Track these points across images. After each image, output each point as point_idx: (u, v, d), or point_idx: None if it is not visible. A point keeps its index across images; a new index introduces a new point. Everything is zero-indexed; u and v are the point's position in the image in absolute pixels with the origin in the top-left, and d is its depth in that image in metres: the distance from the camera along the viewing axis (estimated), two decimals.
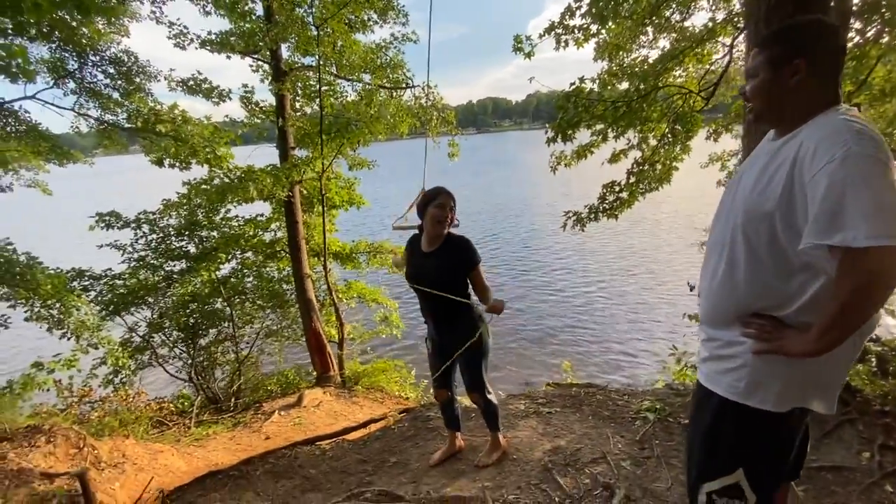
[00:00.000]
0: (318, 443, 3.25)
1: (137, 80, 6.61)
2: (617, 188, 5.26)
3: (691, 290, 3.37)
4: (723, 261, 1.21)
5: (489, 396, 2.49)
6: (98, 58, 6.40)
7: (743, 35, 5.16)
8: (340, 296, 8.20)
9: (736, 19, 5.21)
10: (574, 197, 25.27)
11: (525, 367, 8.83)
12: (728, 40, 5.16)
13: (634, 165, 5.28)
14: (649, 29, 5.20)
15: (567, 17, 4.67)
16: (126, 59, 6.46)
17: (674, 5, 5.30)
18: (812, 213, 0.95)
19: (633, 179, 5.23)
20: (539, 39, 4.88)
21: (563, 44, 4.95)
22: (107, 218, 6.84)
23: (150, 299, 7.20)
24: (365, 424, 3.43)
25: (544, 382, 5.11)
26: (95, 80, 6.48)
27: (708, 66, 5.50)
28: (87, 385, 5.25)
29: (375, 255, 8.70)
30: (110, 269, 7.16)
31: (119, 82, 6.51)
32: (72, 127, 6.79)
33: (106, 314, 6.51)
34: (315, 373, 7.41)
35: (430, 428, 3.13)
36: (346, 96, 7.56)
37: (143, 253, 7.25)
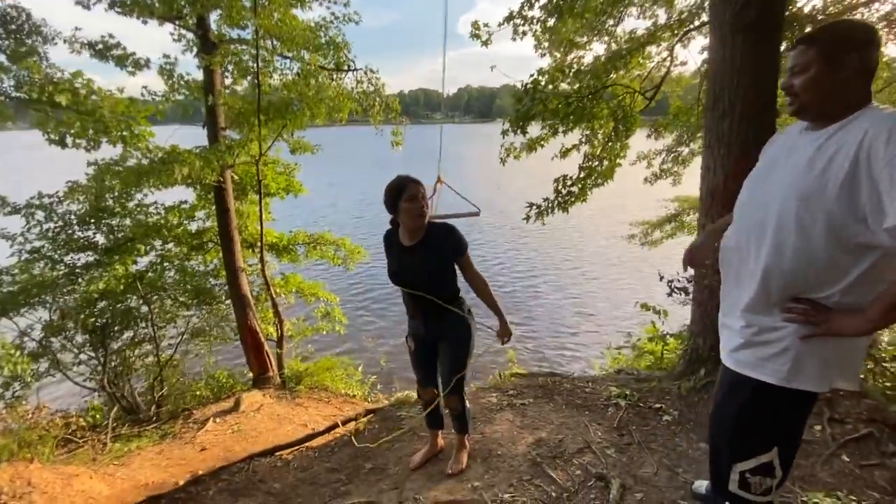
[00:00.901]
0: (277, 453, 2.95)
1: (30, 41, 5.57)
2: (569, 182, 5.40)
3: (661, 279, 3.52)
4: (763, 248, 1.24)
5: (465, 401, 2.38)
6: None
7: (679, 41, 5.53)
8: (278, 290, 7.65)
9: (675, 25, 5.55)
10: (509, 191, 26.01)
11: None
12: (669, 44, 5.48)
13: (585, 160, 5.46)
14: (607, 23, 5.35)
15: (526, 7, 4.66)
16: (15, 16, 5.41)
17: (616, 11, 5.52)
18: (894, 196, 0.98)
19: (583, 174, 5.41)
20: (497, 28, 4.84)
21: (520, 35, 4.96)
22: None
23: (48, 298, 6.18)
24: (329, 430, 3.18)
25: (496, 371, 5.13)
26: None
27: (649, 69, 5.81)
28: None
29: (315, 246, 8.23)
30: None
31: (5, 42, 5.44)
32: None
33: None
34: (252, 374, 6.85)
35: (404, 429, 2.97)
36: (286, 75, 6.98)
37: (37, 244, 6.19)
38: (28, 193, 6.21)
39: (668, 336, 4.35)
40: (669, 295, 3.35)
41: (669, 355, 4.35)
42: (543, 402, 3.13)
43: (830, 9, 4.89)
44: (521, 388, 3.42)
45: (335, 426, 3.15)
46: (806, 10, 4.94)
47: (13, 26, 5.29)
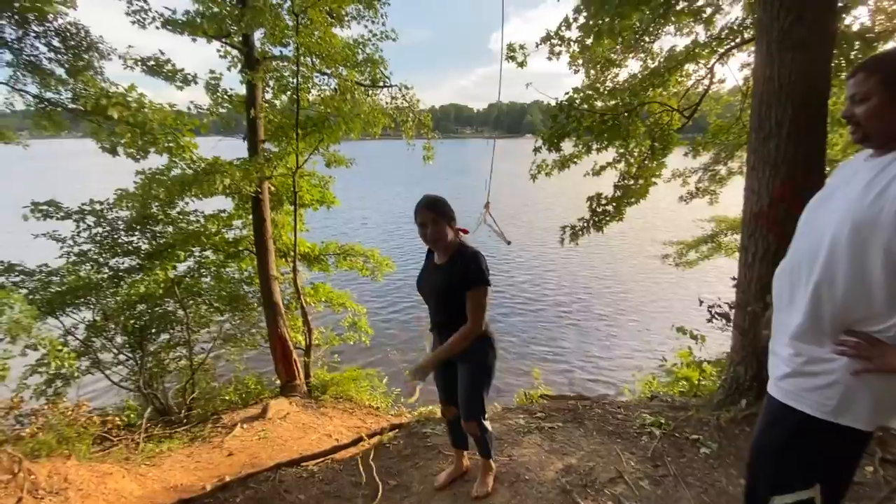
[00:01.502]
0: (303, 463, 2.96)
1: (87, 56, 5.96)
2: (603, 201, 5.31)
3: (700, 304, 3.40)
4: (814, 275, 1.20)
5: (485, 423, 2.25)
6: (42, 28, 5.70)
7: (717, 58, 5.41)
8: (308, 299, 7.79)
9: (714, 43, 5.43)
10: (538, 207, 25.84)
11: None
12: (710, 62, 5.36)
13: (620, 179, 5.37)
14: (644, 40, 5.30)
15: (563, 28, 4.66)
16: (75, 33, 5.80)
17: (655, 28, 5.45)
18: None
19: (618, 193, 5.31)
20: (535, 48, 4.87)
21: (556, 55, 4.96)
22: (44, 207, 6.10)
23: (92, 299, 6.49)
24: (355, 442, 3.17)
25: (521, 390, 5.02)
26: (37, 52, 5.78)
27: (688, 86, 5.70)
28: (17, 396, 4.59)
29: (346, 257, 8.36)
30: (46, 264, 6.40)
31: (65, 57, 5.83)
32: (5, 103, 6.01)
33: (39, 314, 5.76)
34: (279, 381, 6.96)
35: (429, 446, 2.93)
36: (324, 91, 7.21)
37: (85, 247, 6.53)
38: (74, 197, 6.57)
39: (704, 362, 4.17)
40: (709, 321, 3.21)
41: (706, 382, 4.16)
42: (573, 427, 3.03)
43: (879, 26, 4.69)
44: (549, 410, 3.33)
45: (360, 439, 3.14)
46: (854, 27, 4.75)
47: (72, 42, 5.65)
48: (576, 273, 15.29)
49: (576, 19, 4.55)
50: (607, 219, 5.30)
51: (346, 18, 7.24)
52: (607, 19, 4.50)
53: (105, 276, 6.59)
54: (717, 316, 3.09)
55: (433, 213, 2.03)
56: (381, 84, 7.80)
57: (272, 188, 7.37)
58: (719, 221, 9.52)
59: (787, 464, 1.29)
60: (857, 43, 4.60)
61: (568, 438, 2.88)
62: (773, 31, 2.63)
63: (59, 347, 5.04)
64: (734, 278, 2.98)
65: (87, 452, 4.24)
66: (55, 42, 5.82)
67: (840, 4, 4.60)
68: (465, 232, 2.21)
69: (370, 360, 8.96)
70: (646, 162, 5.44)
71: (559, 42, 4.79)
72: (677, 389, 4.43)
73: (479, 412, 2.20)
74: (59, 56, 5.87)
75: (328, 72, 7.28)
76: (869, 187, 1.12)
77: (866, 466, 2.37)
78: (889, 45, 4.74)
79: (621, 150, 5.52)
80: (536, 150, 5.09)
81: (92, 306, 6.53)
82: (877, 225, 1.07)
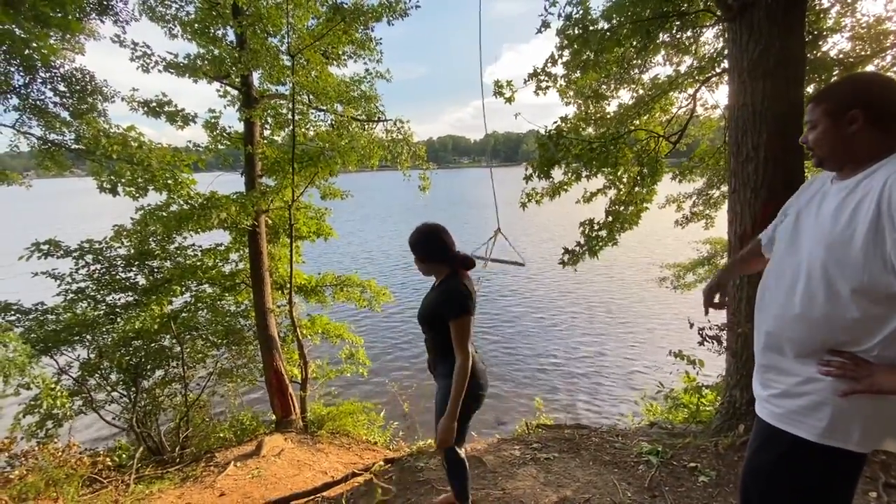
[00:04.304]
0: (293, 502, 2.88)
1: (91, 99, 6.16)
2: (596, 226, 5.36)
3: (691, 326, 3.38)
4: (796, 295, 1.21)
5: (451, 458, 2.16)
6: (49, 74, 5.93)
7: (704, 86, 5.58)
8: (304, 331, 7.73)
9: (696, 72, 5.61)
10: (537, 234, 25.97)
11: (493, 406, 8.59)
12: (692, 90, 5.52)
13: (611, 205, 5.43)
14: (633, 72, 5.47)
15: (549, 64, 4.83)
16: (80, 77, 6.03)
17: (640, 61, 5.64)
18: None
19: (610, 219, 5.36)
20: (523, 85, 5.02)
21: (543, 90, 5.11)
22: (44, 247, 6.16)
23: (88, 336, 6.45)
24: (346, 478, 3.09)
25: (522, 420, 4.93)
26: (43, 97, 5.98)
27: (673, 113, 5.84)
28: (10, 436, 4.51)
29: (343, 288, 8.35)
30: (42, 302, 6.40)
31: (70, 101, 6.03)
32: (10, 146, 6.17)
33: (33, 353, 5.73)
34: (275, 417, 6.83)
35: (421, 481, 2.86)
36: (320, 126, 7.40)
37: (82, 284, 6.55)
38: (72, 235, 6.64)
39: (703, 388, 4.10)
40: (701, 344, 3.19)
41: (706, 408, 4.08)
42: (569, 457, 2.96)
43: (858, 51, 4.86)
44: (545, 440, 3.26)
45: (352, 475, 3.07)
46: (832, 53, 4.92)
47: (77, 87, 5.86)
48: (574, 297, 15.21)
49: (561, 55, 4.71)
50: (600, 244, 5.33)
51: (343, 58, 7.53)
52: (591, 54, 4.67)
53: (101, 312, 6.58)
54: (708, 339, 3.07)
55: (415, 252, 2.14)
56: (377, 119, 8.02)
57: (269, 221, 7.46)
58: (714, 243, 9.56)
59: (779, 487, 1.27)
60: (836, 68, 4.75)
61: (564, 469, 2.81)
62: (743, 61, 2.74)
63: (52, 386, 4.98)
64: None
65: (76, 495, 4.12)
66: (61, 87, 6.05)
67: (814, 32, 4.79)
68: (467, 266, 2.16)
69: (368, 392, 8.82)
70: (636, 188, 5.52)
71: (546, 78, 4.94)
72: (680, 416, 4.34)
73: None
74: (65, 100, 6.08)
75: (324, 108, 7.50)
76: (839, 210, 1.14)
77: (870, 492, 2.30)
78: (867, 69, 4.89)
79: (610, 177, 5.60)
80: (527, 178, 5.18)
81: (87, 344, 6.49)
82: (850, 248, 1.08)
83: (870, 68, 4.91)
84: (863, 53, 4.80)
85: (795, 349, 1.21)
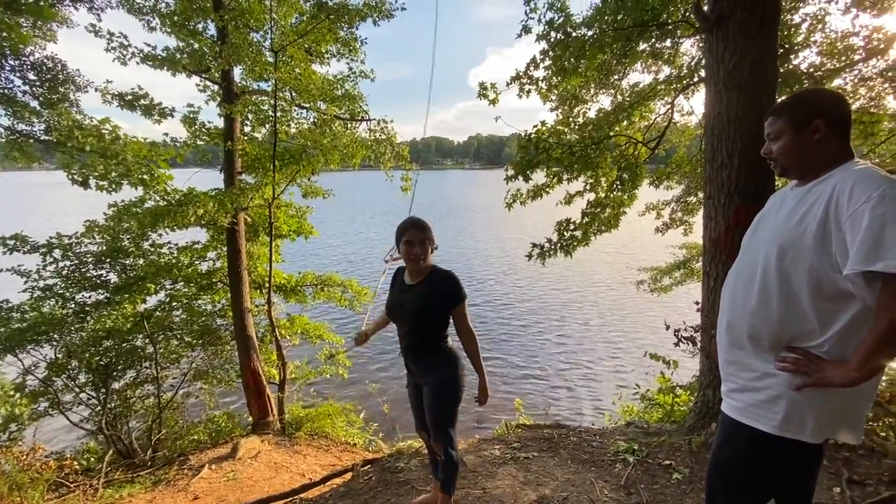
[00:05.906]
0: None
1: (62, 89, 5.95)
2: (571, 226, 5.45)
3: (667, 328, 3.47)
4: (754, 290, 1.29)
5: (451, 451, 2.24)
6: (17, 62, 5.70)
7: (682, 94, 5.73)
8: (283, 332, 7.62)
9: (675, 80, 5.75)
10: (512, 235, 26.18)
11: (473, 406, 8.61)
12: (670, 98, 5.66)
13: (588, 206, 5.53)
14: (612, 78, 5.57)
15: (531, 68, 4.89)
16: (51, 66, 5.81)
17: (621, 68, 5.76)
18: (854, 244, 1.05)
19: (586, 220, 5.46)
20: (506, 88, 5.06)
21: (525, 93, 5.17)
22: (10, 242, 5.92)
23: (55, 335, 6.21)
24: (325, 480, 3.06)
25: (502, 420, 4.96)
26: (11, 85, 5.75)
27: (652, 120, 5.98)
28: None
29: (323, 287, 8.26)
30: (7, 299, 6.15)
31: (39, 90, 5.81)
32: None
33: None
34: (251, 418, 6.70)
35: (402, 481, 2.85)
36: (302, 124, 7.31)
37: (50, 281, 6.31)
38: (37, 228, 6.39)
39: (677, 388, 4.21)
40: (676, 345, 3.28)
41: (681, 407, 4.19)
42: (548, 457, 3.00)
43: (827, 65, 5.06)
44: (525, 440, 3.30)
45: (330, 476, 3.04)
46: (803, 66, 5.11)
47: (48, 75, 5.65)
48: (553, 300, 15.39)
49: (543, 60, 4.78)
50: (574, 244, 5.42)
51: (326, 56, 7.46)
52: (573, 60, 4.74)
53: (70, 311, 6.35)
54: (683, 340, 3.16)
55: (422, 234, 2.14)
56: (360, 118, 7.97)
57: (248, 219, 7.33)
58: (690, 248, 9.80)
59: (742, 478, 1.34)
60: (805, 81, 4.94)
61: (543, 468, 2.84)
62: (719, 72, 2.83)
63: (11, 392, 4.78)
64: (697, 302, 3.07)
65: (41, 500, 3.98)
66: (30, 75, 5.82)
67: (786, 46, 4.98)
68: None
69: (348, 393, 8.74)
70: (615, 192, 5.63)
71: (528, 81, 5.00)
72: (655, 416, 4.44)
73: (445, 431, 2.21)
74: (34, 88, 5.85)
75: (307, 106, 7.42)
76: (793, 212, 1.24)
77: (834, 487, 2.40)
78: (834, 83, 5.11)
79: (591, 181, 5.70)
80: (508, 179, 5.23)
81: (55, 343, 6.25)
82: (801, 247, 1.17)
83: (838, 82, 5.12)
84: (831, 67, 5.00)
85: (753, 343, 1.29)
